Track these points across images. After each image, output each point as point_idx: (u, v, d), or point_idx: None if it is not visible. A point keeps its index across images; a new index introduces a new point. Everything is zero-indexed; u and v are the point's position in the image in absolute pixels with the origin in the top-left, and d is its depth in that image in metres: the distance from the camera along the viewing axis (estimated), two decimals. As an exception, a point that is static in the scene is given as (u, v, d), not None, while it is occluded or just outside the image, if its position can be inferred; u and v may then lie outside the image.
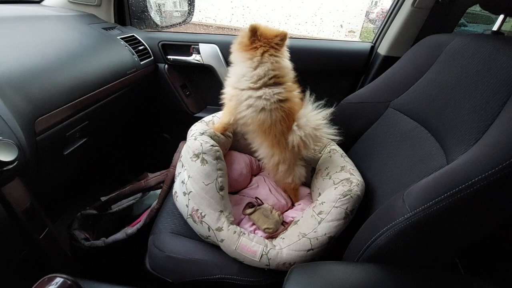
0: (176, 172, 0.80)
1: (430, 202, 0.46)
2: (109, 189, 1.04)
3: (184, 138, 1.01)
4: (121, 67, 0.96)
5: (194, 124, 0.82)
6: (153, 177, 1.00)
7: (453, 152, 0.59)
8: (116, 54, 0.98)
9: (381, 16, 1.51)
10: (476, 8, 1.21)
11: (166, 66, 1.23)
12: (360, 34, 2.40)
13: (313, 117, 0.75)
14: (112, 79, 0.89)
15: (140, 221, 0.93)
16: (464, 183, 0.45)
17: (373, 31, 1.36)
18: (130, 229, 0.90)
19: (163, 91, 1.25)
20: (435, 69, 0.77)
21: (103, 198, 1.01)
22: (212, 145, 0.71)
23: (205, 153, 0.70)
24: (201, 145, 0.70)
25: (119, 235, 0.89)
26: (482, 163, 0.46)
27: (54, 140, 0.67)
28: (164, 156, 1.15)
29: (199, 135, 0.74)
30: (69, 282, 0.40)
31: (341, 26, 2.36)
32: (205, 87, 1.33)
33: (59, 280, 0.40)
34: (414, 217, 0.47)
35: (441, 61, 0.76)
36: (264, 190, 0.88)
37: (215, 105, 1.36)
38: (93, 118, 0.82)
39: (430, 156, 0.64)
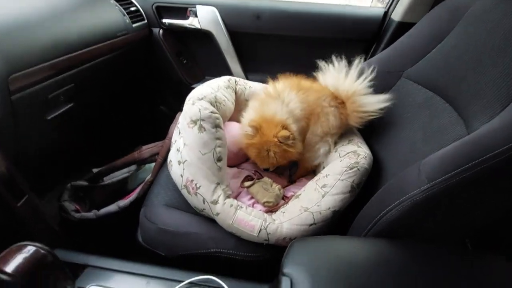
0: (173, 140, 0.75)
1: (450, 173, 0.42)
2: (102, 163, 0.99)
3: (181, 110, 0.95)
4: (110, 27, 0.88)
5: (196, 88, 0.75)
6: (147, 149, 0.95)
7: (474, 121, 0.54)
8: (105, 13, 0.90)
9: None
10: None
11: (161, 31, 1.14)
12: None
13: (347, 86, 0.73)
14: (99, 40, 0.81)
15: (133, 194, 0.89)
16: (488, 153, 0.41)
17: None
18: (123, 202, 0.87)
19: (157, 58, 1.17)
20: (455, 34, 0.70)
21: (94, 170, 0.96)
22: (211, 112, 0.66)
23: (203, 120, 0.64)
24: (199, 111, 0.65)
25: (111, 207, 0.86)
26: (509, 132, 0.41)
27: (33, 101, 0.61)
28: (161, 129, 1.09)
29: (198, 100, 0.68)
30: (42, 251, 0.36)
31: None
32: (203, 55, 1.24)
33: (31, 248, 0.36)
34: (432, 189, 0.42)
35: (462, 26, 0.69)
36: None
37: (214, 76, 1.28)
38: (79, 81, 0.75)
39: (448, 126, 0.59)
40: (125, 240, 0.76)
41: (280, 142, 0.66)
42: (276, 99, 0.71)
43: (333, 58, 0.78)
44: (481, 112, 0.53)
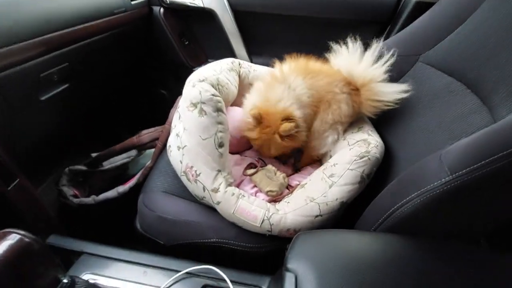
0: (172, 125, 0.71)
1: (476, 165, 0.38)
2: (100, 147, 0.96)
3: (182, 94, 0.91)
4: (106, 4, 0.82)
5: (198, 70, 0.71)
6: (146, 133, 0.92)
7: (502, 108, 0.49)
8: (101, -12, 0.84)
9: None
10: None
11: (162, 9, 1.08)
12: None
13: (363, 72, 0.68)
14: (94, 16, 0.76)
15: (133, 180, 0.86)
16: None
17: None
18: (122, 188, 0.84)
19: (158, 39, 1.12)
20: (481, 12, 0.64)
21: (93, 155, 0.94)
22: (213, 94, 0.61)
23: (204, 103, 0.60)
24: (200, 93, 0.61)
25: (111, 193, 0.84)
26: None
27: (24, 79, 0.57)
28: (161, 114, 1.05)
29: (199, 82, 0.63)
30: (27, 239, 0.33)
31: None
32: (206, 36, 1.18)
33: (15, 236, 0.33)
34: (454, 182, 0.38)
35: (490, 3, 0.62)
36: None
37: (218, 59, 1.23)
38: (73, 61, 0.71)
39: (470, 114, 0.54)
40: (124, 227, 0.74)
41: (283, 136, 0.63)
42: (282, 83, 0.66)
43: (348, 39, 0.72)
44: (509, 98, 0.49)
